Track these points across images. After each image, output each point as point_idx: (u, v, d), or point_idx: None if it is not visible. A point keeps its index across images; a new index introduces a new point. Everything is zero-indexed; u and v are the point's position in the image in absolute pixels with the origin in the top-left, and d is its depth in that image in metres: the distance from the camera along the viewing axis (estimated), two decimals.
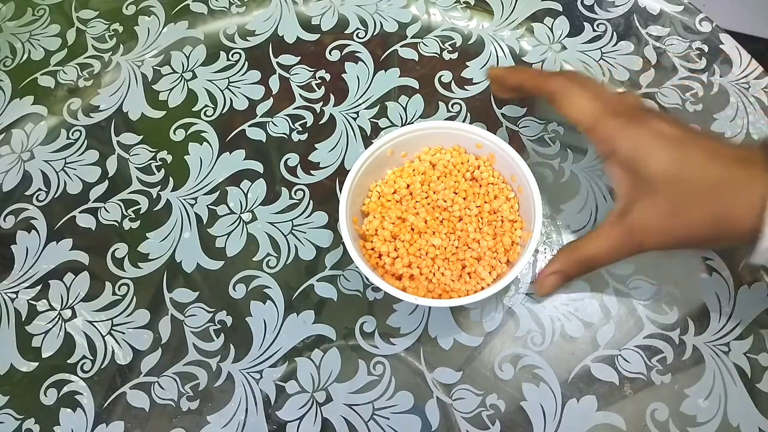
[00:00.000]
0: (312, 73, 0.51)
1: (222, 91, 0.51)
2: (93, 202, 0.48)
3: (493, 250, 0.38)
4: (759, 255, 0.31)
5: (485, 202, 0.39)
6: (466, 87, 0.49)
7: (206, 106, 0.51)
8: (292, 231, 0.45)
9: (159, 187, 0.48)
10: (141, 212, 0.47)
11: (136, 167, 0.49)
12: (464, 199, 0.39)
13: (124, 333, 0.43)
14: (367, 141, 0.48)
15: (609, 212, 0.35)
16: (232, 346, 0.42)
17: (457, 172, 0.40)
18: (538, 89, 0.37)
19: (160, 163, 0.49)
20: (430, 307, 0.42)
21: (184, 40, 0.54)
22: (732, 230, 0.31)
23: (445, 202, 0.39)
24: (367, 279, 0.41)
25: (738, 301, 0.40)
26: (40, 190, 0.49)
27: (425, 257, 0.38)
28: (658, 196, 0.32)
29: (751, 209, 0.29)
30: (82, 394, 0.41)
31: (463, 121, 0.47)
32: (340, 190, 0.46)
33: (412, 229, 0.39)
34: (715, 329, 0.40)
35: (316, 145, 0.48)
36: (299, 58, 0.52)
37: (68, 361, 0.42)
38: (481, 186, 0.40)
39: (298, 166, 0.47)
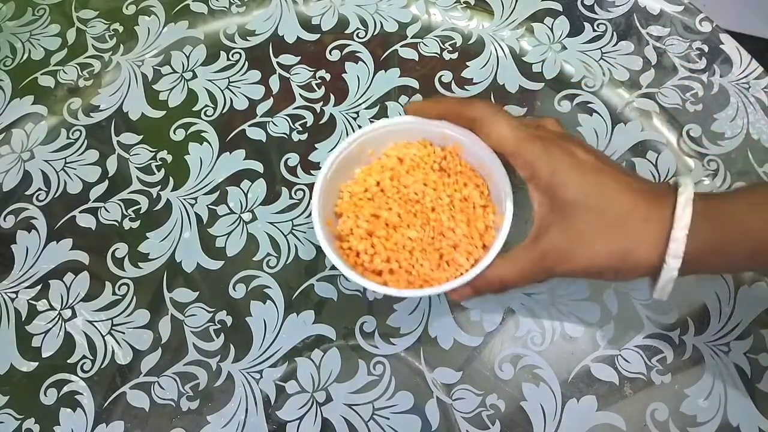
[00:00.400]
0: (312, 73, 0.51)
1: (222, 91, 0.51)
2: (93, 202, 0.48)
3: (468, 236, 0.38)
4: (659, 290, 0.31)
5: (455, 191, 0.39)
6: (466, 87, 0.49)
7: (206, 106, 0.51)
8: (292, 231, 0.45)
9: (159, 187, 0.48)
10: (141, 212, 0.47)
11: (136, 167, 0.49)
12: (434, 189, 0.39)
13: (124, 333, 0.43)
14: None
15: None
16: (232, 346, 0.42)
17: (425, 165, 0.40)
18: (460, 117, 0.37)
19: (160, 163, 0.49)
20: (430, 307, 0.42)
21: (184, 40, 0.54)
22: (637, 263, 0.31)
23: (416, 194, 0.39)
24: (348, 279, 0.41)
25: (738, 301, 0.40)
26: (40, 190, 0.49)
27: (402, 250, 0.38)
28: (570, 222, 0.32)
29: (655, 244, 0.30)
30: (82, 394, 0.41)
31: None
32: None
33: (387, 225, 0.39)
34: (715, 329, 0.40)
35: (316, 145, 0.48)
36: (299, 58, 0.52)
37: (68, 361, 0.42)
38: (449, 176, 0.40)
39: (298, 165, 0.47)
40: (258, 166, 0.48)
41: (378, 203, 0.39)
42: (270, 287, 0.43)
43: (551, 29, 0.52)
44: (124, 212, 0.47)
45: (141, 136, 0.50)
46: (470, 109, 0.36)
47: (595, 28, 0.51)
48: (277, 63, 0.52)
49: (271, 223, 0.45)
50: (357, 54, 0.52)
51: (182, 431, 0.40)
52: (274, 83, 0.51)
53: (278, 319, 0.42)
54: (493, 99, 0.48)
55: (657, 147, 0.46)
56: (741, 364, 0.39)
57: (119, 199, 0.47)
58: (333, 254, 0.36)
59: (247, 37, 0.54)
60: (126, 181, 0.48)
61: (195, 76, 0.52)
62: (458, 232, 0.38)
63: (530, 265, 0.33)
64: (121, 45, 0.55)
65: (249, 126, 0.49)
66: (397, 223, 0.38)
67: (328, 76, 0.51)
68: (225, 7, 0.56)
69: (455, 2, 0.54)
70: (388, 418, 0.39)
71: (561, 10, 0.52)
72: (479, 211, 0.39)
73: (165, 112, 0.51)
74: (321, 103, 0.50)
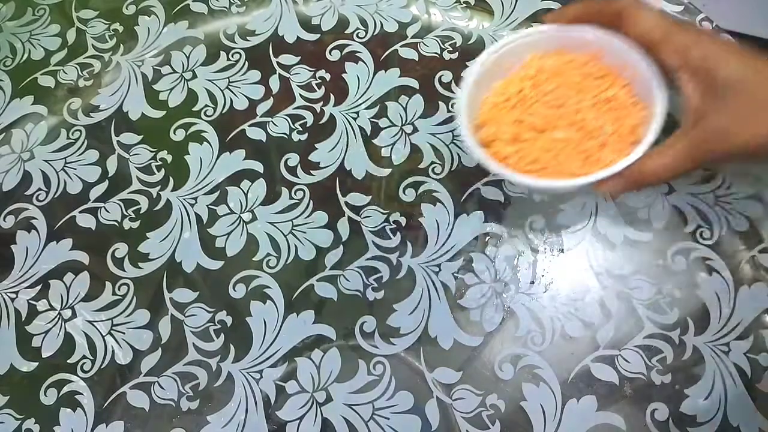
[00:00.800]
0: (312, 73, 0.51)
1: (222, 91, 0.51)
2: (93, 202, 0.48)
3: (617, 133, 0.37)
4: None
5: (600, 92, 0.39)
6: None
7: (206, 106, 0.51)
8: (292, 231, 0.45)
9: (159, 187, 0.48)
10: (141, 212, 0.47)
11: (136, 167, 0.49)
12: (578, 92, 0.39)
13: (124, 333, 0.43)
14: (368, 141, 0.48)
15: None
16: (232, 346, 0.42)
17: (567, 71, 0.40)
18: (602, 14, 0.37)
19: (160, 163, 0.49)
20: (430, 307, 0.42)
21: (184, 40, 0.54)
22: None
23: (560, 99, 0.39)
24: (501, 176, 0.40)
25: (738, 301, 0.40)
26: (40, 190, 0.49)
27: (550, 152, 0.38)
28: (727, 102, 0.32)
29: None
30: (82, 394, 0.41)
31: None
32: (340, 191, 0.46)
33: (533, 128, 0.38)
34: (715, 329, 0.40)
35: (316, 145, 0.48)
36: (299, 58, 0.52)
37: (68, 361, 0.42)
38: (594, 80, 0.40)
39: (298, 166, 0.47)
40: (258, 166, 0.48)
41: (521, 110, 0.39)
42: (270, 287, 0.43)
43: None
44: (124, 212, 0.47)
45: (141, 136, 0.50)
46: (614, 2, 0.36)
47: None
48: (277, 63, 0.52)
49: (271, 223, 0.45)
50: (357, 54, 0.52)
51: (182, 431, 0.40)
52: (274, 83, 0.51)
53: (278, 319, 0.42)
54: None
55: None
56: (741, 364, 0.39)
57: (119, 199, 0.47)
58: (484, 157, 0.36)
59: (247, 37, 0.54)
60: (126, 181, 0.48)
61: (195, 76, 0.52)
62: (606, 131, 0.37)
63: (689, 151, 0.34)
64: (121, 45, 0.55)
65: (249, 126, 0.49)
66: (542, 127, 0.38)
67: (328, 76, 0.51)
68: (225, 7, 0.56)
69: (455, 2, 0.54)
70: (388, 418, 0.39)
71: None
72: (627, 109, 0.38)
73: (165, 112, 0.51)
74: (321, 103, 0.50)
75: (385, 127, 0.48)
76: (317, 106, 0.50)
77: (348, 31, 0.53)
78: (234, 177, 0.48)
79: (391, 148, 0.47)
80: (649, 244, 0.42)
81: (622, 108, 0.38)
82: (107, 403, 0.41)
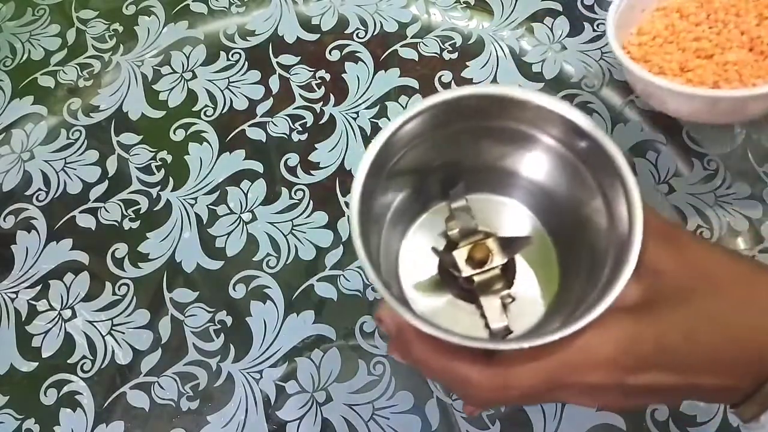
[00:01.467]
0: (312, 73, 0.51)
1: (222, 91, 0.51)
2: (93, 202, 0.48)
3: None
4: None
5: (763, 9, 0.38)
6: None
7: (206, 106, 0.51)
8: (292, 231, 0.45)
9: (159, 187, 0.48)
10: (141, 212, 0.47)
11: (136, 167, 0.49)
12: (736, 15, 0.38)
13: (124, 333, 0.43)
14: (367, 141, 0.48)
15: None
16: (232, 346, 0.42)
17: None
18: None
19: (160, 163, 0.49)
20: None
21: (184, 40, 0.54)
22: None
23: (718, 24, 0.38)
24: None
25: None
26: (40, 190, 0.49)
27: (727, 73, 0.37)
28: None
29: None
30: (82, 394, 0.41)
31: None
32: (340, 191, 0.46)
33: (698, 57, 0.38)
34: None
35: (316, 145, 0.48)
36: (299, 58, 0.52)
37: (68, 361, 0.42)
38: (749, 1, 0.39)
39: (298, 166, 0.47)
40: (258, 166, 0.48)
41: (675, 41, 0.38)
42: (270, 287, 0.43)
43: (551, 29, 0.52)
44: (124, 212, 0.47)
45: (141, 136, 0.50)
46: None
47: (595, 28, 0.51)
48: (277, 63, 0.52)
49: (271, 223, 0.45)
50: (357, 54, 0.52)
51: (182, 431, 0.40)
52: (274, 83, 0.51)
53: (278, 319, 0.42)
54: None
55: (657, 147, 0.46)
56: None
57: (119, 199, 0.47)
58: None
59: (247, 37, 0.54)
60: (126, 181, 0.48)
61: (195, 76, 0.52)
62: None
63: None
64: (121, 45, 0.55)
65: (249, 126, 0.49)
66: (710, 51, 0.37)
67: (327, 76, 0.51)
68: (225, 7, 0.56)
69: (455, 2, 0.54)
70: (388, 418, 0.39)
71: (561, 10, 0.52)
72: None
73: (165, 112, 0.51)
74: (321, 103, 0.50)
75: None
76: (317, 106, 0.50)
77: (348, 31, 0.53)
78: (234, 177, 0.48)
79: None
80: None
81: None
82: (107, 403, 0.41)
